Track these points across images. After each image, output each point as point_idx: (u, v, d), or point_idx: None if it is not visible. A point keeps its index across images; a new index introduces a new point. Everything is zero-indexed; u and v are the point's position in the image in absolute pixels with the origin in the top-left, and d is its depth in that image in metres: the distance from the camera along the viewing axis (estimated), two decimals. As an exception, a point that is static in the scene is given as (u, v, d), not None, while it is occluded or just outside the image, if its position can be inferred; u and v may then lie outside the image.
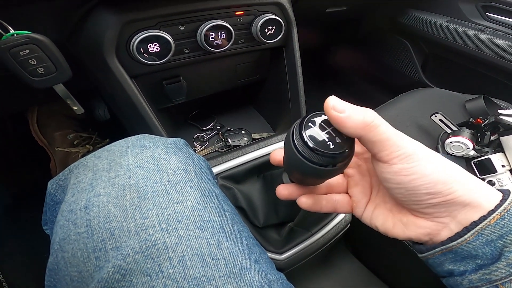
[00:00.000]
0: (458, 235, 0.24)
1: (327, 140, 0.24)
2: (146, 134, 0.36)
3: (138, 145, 0.33)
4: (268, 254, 0.47)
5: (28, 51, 0.35)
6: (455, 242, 0.24)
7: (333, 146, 0.24)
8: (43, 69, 0.38)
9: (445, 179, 0.23)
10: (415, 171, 0.23)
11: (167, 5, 0.45)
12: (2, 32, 0.33)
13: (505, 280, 0.24)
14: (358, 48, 1.37)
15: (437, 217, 0.25)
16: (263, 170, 0.56)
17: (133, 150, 0.32)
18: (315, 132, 0.25)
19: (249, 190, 0.53)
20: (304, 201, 0.31)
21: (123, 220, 0.26)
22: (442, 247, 0.25)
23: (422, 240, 0.26)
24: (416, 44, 1.09)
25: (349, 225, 0.55)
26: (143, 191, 0.28)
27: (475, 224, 0.23)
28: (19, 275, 0.74)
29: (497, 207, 0.23)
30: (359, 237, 0.64)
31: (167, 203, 0.28)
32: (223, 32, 0.50)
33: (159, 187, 0.29)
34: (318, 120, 0.26)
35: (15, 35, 0.34)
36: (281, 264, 0.47)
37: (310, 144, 0.24)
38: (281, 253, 0.48)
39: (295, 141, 0.25)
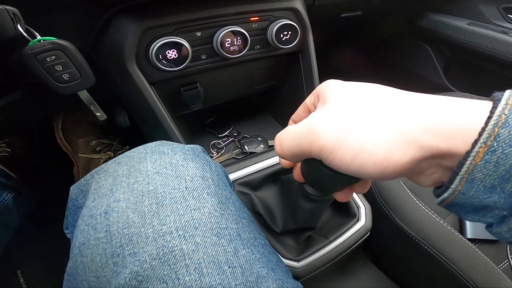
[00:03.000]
0: (446, 186, 0.19)
1: None
2: (165, 141, 0.37)
3: (156, 152, 0.33)
4: (285, 261, 0.46)
5: (54, 57, 0.36)
6: (446, 195, 0.19)
7: None
8: (68, 75, 0.39)
9: (383, 156, 0.18)
10: (336, 164, 0.21)
11: (184, 11, 0.46)
12: (29, 38, 0.35)
13: None
14: (376, 53, 1.35)
15: (420, 174, 0.21)
16: (279, 176, 0.56)
17: (151, 156, 0.33)
18: None
19: (266, 196, 0.52)
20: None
21: (141, 226, 0.26)
22: (440, 200, 0.20)
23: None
24: (437, 48, 1.06)
25: (368, 233, 0.53)
26: (161, 197, 0.28)
27: (455, 172, 0.18)
28: (40, 278, 0.76)
29: (479, 138, 0.16)
30: (379, 244, 0.61)
31: (184, 209, 0.28)
32: (238, 38, 0.51)
33: (177, 194, 0.29)
34: None
35: (41, 41, 0.35)
36: (298, 271, 0.46)
37: None
38: (298, 261, 0.46)
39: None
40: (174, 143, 0.37)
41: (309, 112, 0.29)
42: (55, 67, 0.37)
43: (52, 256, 0.77)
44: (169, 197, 0.28)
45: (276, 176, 0.55)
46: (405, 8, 1.04)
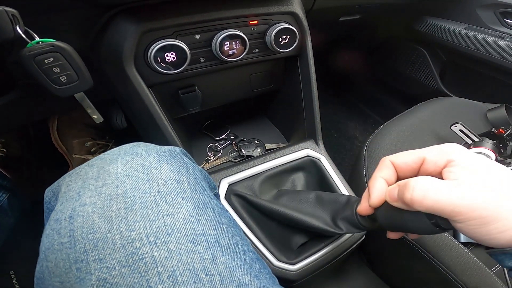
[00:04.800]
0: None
1: None
2: (142, 142, 0.35)
3: (129, 153, 0.32)
4: (281, 264, 0.46)
5: (52, 59, 0.36)
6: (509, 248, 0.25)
7: None
8: (65, 78, 0.39)
9: None
10: (487, 232, 0.24)
11: (184, 14, 0.46)
12: (27, 40, 0.35)
13: None
14: (373, 56, 1.36)
15: None
16: (277, 182, 0.56)
17: (123, 157, 0.31)
18: None
19: (266, 198, 0.53)
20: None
21: (107, 232, 0.25)
22: (498, 250, 0.26)
23: None
24: (433, 52, 1.07)
25: (364, 236, 0.53)
26: (131, 201, 0.27)
27: None
28: (33, 279, 0.75)
29: None
30: (374, 248, 0.62)
31: (156, 215, 0.27)
32: (237, 42, 0.51)
33: (148, 198, 0.28)
34: None
35: (40, 42, 0.35)
36: (293, 275, 0.46)
37: None
38: (293, 264, 0.47)
39: None
40: (151, 144, 0.35)
41: (420, 164, 0.31)
42: (53, 69, 0.37)
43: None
44: (139, 201, 0.27)
45: (273, 180, 0.55)
46: (403, 11, 1.05)
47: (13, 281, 0.75)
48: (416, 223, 0.28)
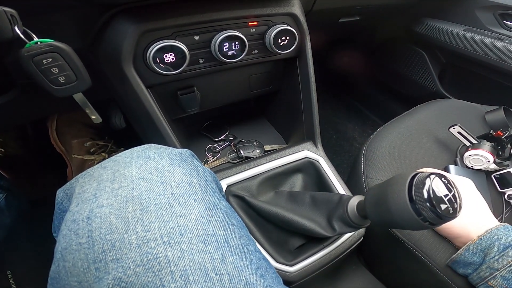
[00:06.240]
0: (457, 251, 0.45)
1: (448, 204, 0.27)
2: (152, 144, 0.36)
3: (142, 156, 0.33)
4: (279, 265, 0.46)
5: (50, 59, 0.36)
6: (454, 256, 0.46)
7: (452, 211, 0.27)
8: (64, 78, 0.39)
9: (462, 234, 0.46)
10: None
11: (183, 15, 0.46)
12: (26, 40, 0.35)
13: (489, 277, 0.41)
14: (372, 58, 1.36)
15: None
16: (275, 183, 0.56)
17: (137, 161, 0.32)
18: (439, 191, 0.27)
19: (265, 200, 0.52)
20: None
21: (124, 232, 0.26)
22: (450, 259, 0.47)
23: None
24: (433, 54, 1.08)
25: (362, 238, 0.53)
26: (146, 203, 0.28)
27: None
28: (30, 279, 0.75)
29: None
30: (372, 250, 0.62)
31: (169, 216, 0.28)
32: (236, 43, 0.51)
33: (162, 200, 0.29)
34: (439, 182, 0.28)
35: (38, 43, 0.35)
36: (291, 276, 0.46)
37: (431, 206, 0.27)
38: (292, 265, 0.47)
39: (415, 196, 0.27)
40: (162, 146, 0.36)
41: None
42: (51, 69, 0.37)
43: (43, 257, 0.76)
44: (154, 203, 0.28)
45: (271, 181, 0.55)
46: (402, 13, 1.05)
47: (10, 281, 0.75)
48: (405, 220, 0.28)
